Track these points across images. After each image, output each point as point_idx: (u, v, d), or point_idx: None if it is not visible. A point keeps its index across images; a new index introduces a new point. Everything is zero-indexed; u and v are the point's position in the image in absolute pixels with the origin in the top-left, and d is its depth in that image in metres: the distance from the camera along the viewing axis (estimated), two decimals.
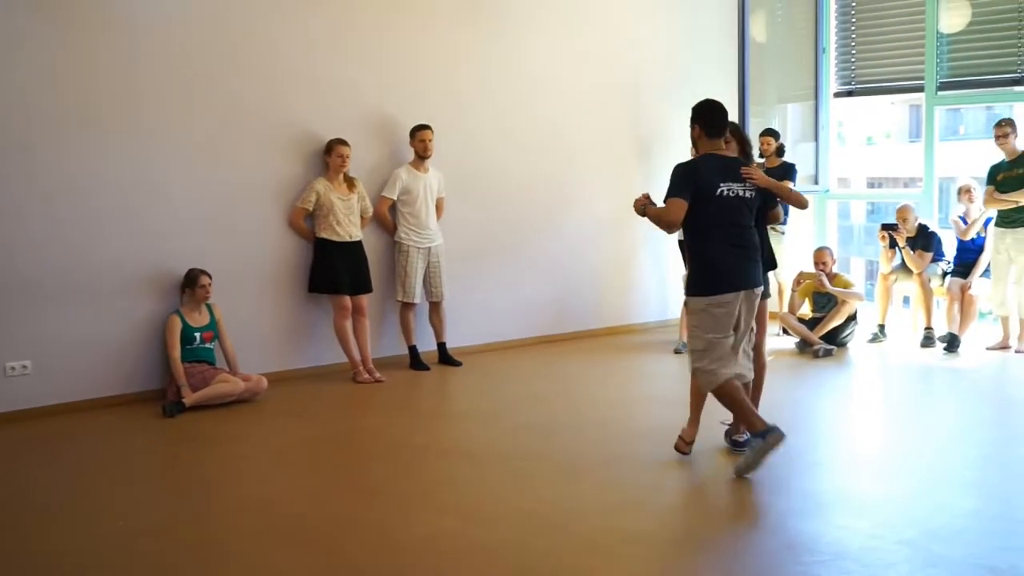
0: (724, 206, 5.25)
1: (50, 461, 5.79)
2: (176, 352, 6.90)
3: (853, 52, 10.41)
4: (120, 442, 6.18)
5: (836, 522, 4.65)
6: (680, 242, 9.33)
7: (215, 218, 7.40)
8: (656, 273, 10.19)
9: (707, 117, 5.39)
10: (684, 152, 9.28)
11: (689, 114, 5.49)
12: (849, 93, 10.55)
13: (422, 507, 4.90)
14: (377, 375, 7.73)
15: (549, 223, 9.43)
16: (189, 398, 6.77)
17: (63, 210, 6.76)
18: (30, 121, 6.62)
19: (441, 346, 8.39)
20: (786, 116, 10.78)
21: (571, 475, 5.37)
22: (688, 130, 5.51)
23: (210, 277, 7.08)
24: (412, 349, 8.23)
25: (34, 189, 6.64)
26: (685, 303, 6.06)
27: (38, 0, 6.61)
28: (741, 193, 5.28)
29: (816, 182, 10.53)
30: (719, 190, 5.22)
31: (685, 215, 5.22)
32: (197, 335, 7.03)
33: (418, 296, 8.16)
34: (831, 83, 10.50)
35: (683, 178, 5.25)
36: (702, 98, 5.47)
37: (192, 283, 7.04)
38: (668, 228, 5.43)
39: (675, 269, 9.63)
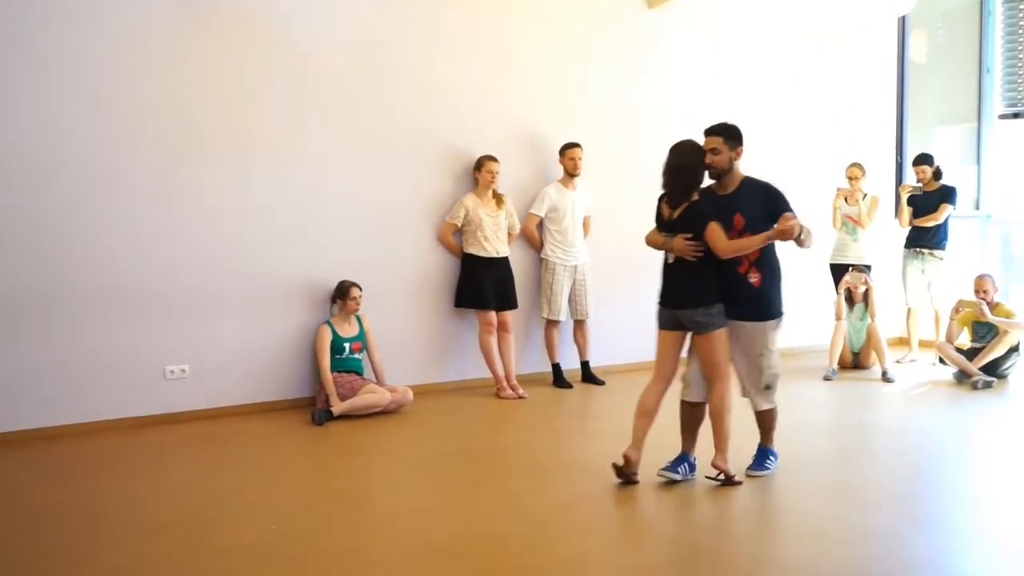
0: None
1: (204, 463, 5.99)
2: (326, 362, 7.06)
3: (1020, 72, 9.98)
4: (271, 447, 6.35)
5: (1000, 562, 4.44)
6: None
7: (367, 233, 7.56)
8: (805, 296, 9.93)
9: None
10: (838, 175, 9.12)
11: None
12: (1015, 115, 10.12)
13: (563, 526, 4.87)
14: (520, 391, 7.76)
15: None
16: (337, 407, 6.91)
17: (223, 223, 7.01)
18: (197, 138, 6.89)
19: (584, 364, 8.36)
20: (946, 139, 10.41)
21: (716, 498, 5.27)
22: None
23: (360, 289, 7.23)
24: (556, 367, 8.23)
25: (198, 203, 6.91)
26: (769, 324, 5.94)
27: (206, 21, 6.89)
28: None
29: (977, 207, 10.14)
30: None
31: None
32: (346, 346, 7.18)
33: (563, 314, 8.16)
34: (996, 104, 10.11)
35: None
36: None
37: (343, 295, 7.20)
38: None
39: (824, 292, 9.40)
